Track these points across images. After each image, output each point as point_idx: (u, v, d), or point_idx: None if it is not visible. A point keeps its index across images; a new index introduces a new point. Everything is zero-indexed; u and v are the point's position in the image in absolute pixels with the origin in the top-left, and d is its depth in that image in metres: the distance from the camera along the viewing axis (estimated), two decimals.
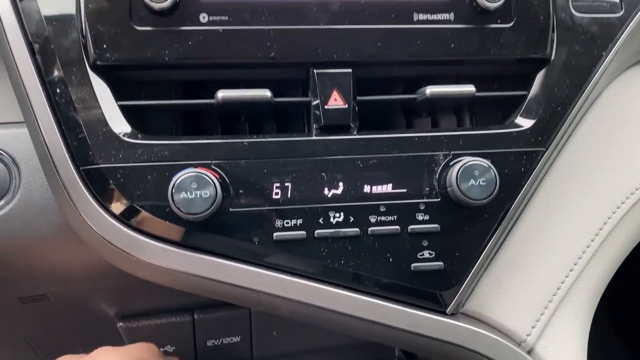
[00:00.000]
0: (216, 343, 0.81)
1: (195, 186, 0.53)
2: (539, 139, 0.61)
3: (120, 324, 0.77)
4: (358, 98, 0.59)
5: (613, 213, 0.65)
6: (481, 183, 0.57)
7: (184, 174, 0.53)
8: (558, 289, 0.62)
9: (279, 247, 0.56)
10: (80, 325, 0.82)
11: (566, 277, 0.63)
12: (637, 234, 0.67)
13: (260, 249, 0.55)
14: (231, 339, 0.82)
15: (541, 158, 0.61)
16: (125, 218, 0.55)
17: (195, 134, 0.58)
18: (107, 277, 0.67)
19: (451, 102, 0.65)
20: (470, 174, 0.57)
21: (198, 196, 0.53)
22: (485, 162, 0.57)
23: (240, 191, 0.56)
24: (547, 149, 0.61)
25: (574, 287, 0.63)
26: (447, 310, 0.59)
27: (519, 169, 0.60)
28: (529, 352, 0.61)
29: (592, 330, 0.67)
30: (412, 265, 0.58)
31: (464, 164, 0.57)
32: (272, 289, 0.55)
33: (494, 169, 0.57)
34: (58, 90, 0.55)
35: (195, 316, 0.79)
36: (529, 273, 0.62)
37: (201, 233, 0.55)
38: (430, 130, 0.60)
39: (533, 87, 0.62)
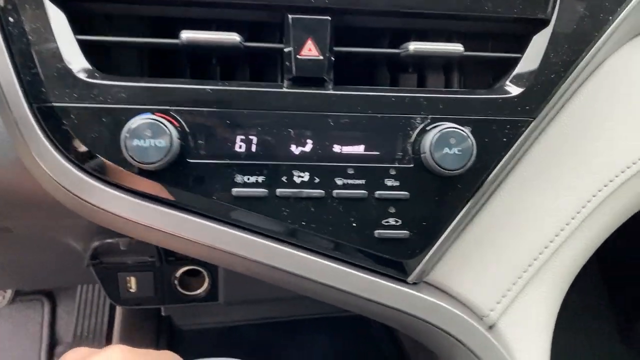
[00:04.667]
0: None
1: (149, 134, 0.50)
2: (527, 108, 0.56)
3: (89, 260, 0.76)
4: (335, 49, 0.55)
5: (599, 191, 0.62)
6: (456, 152, 0.53)
7: (139, 119, 0.50)
8: (530, 266, 0.60)
9: (238, 204, 0.53)
10: (53, 258, 0.82)
11: (540, 254, 0.60)
12: (622, 213, 0.64)
13: (217, 203, 0.53)
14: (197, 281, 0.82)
15: (526, 129, 0.57)
16: (77, 160, 0.52)
17: (165, 77, 0.54)
18: (68, 215, 0.65)
19: (439, 60, 0.60)
20: (446, 141, 0.53)
21: (152, 145, 0.50)
22: (463, 130, 0.53)
23: (200, 141, 0.53)
24: (534, 119, 0.57)
25: (547, 265, 0.61)
26: (409, 279, 0.57)
27: (501, 138, 0.56)
28: (491, 328, 0.59)
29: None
30: (376, 232, 0.55)
31: (441, 131, 0.53)
32: (226, 245, 0.53)
33: (472, 138, 0.53)
34: (11, 19, 0.51)
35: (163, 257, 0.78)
36: (502, 247, 0.60)
37: (155, 182, 0.52)
38: (409, 91, 0.55)
39: (527, 50, 0.57)
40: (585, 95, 0.63)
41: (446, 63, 0.62)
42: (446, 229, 0.56)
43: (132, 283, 0.78)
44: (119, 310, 1.11)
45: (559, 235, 0.61)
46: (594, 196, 0.62)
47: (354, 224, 0.55)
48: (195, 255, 0.57)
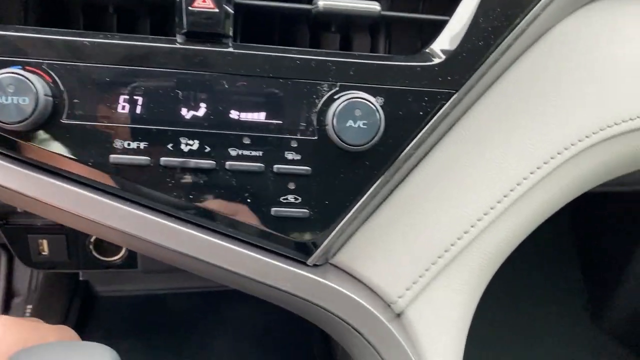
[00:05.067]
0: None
1: (12, 90, 0.44)
2: (449, 78, 0.50)
3: None
4: (236, 1, 0.49)
5: (531, 173, 0.57)
6: (362, 125, 0.48)
7: (1, 74, 0.44)
8: (446, 251, 0.55)
9: (117, 172, 0.48)
10: None
11: (459, 239, 0.56)
12: (558, 199, 0.59)
13: (92, 170, 0.48)
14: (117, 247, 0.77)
15: (447, 102, 0.51)
16: None
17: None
18: None
19: (360, 20, 0.54)
20: (351, 113, 0.47)
21: (14, 102, 0.44)
22: (371, 101, 0.48)
23: (75, 100, 0.47)
24: (457, 92, 0.51)
25: (466, 251, 0.56)
26: (308, 261, 0.52)
27: (417, 111, 0.50)
28: (399, 316, 0.55)
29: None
30: (273, 209, 0.50)
31: (346, 101, 0.47)
32: (101, 216, 0.48)
33: (380, 110, 0.48)
34: None
35: None
36: (416, 229, 0.55)
37: (23, 143, 0.47)
38: (317, 53, 0.49)
39: (456, 13, 0.51)
40: (524, 66, 0.57)
41: (373, 24, 0.56)
42: (351, 208, 0.51)
43: (44, 246, 0.75)
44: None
45: (481, 220, 0.56)
46: (525, 179, 0.56)
47: (249, 200, 0.50)
48: (74, 226, 0.52)
